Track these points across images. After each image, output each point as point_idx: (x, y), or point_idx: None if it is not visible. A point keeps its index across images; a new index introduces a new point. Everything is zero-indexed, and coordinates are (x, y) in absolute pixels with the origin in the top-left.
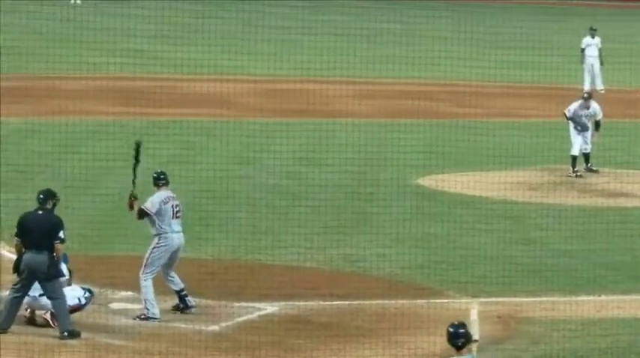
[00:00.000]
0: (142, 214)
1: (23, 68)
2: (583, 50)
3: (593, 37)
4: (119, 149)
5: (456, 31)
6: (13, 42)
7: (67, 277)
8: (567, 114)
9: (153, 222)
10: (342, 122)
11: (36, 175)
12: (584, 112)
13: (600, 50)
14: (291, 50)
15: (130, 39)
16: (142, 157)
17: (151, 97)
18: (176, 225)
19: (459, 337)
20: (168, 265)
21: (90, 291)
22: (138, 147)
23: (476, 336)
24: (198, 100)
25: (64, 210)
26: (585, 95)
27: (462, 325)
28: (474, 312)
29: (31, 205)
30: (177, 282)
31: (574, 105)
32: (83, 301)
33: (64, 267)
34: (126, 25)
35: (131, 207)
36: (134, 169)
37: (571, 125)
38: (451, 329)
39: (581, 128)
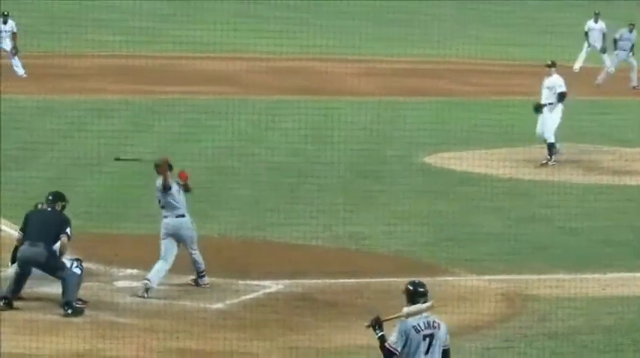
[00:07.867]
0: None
1: (28, 46)
2: (586, 34)
3: (596, 22)
4: (125, 126)
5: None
6: (20, 20)
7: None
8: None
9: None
10: (348, 100)
11: (42, 153)
12: (546, 83)
13: (604, 35)
14: (297, 28)
15: (135, 17)
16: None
17: (157, 75)
18: (177, 209)
19: (418, 295)
20: (184, 244)
21: (78, 260)
22: (135, 160)
23: None
24: (204, 78)
25: (69, 188)
26: (549, 62)
27: (422, 284)
28: None
29: (37, 183)
30: (195, 260)
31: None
32: (78, 271)
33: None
34: (131, 2)
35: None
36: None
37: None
38: (410, 287)
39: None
